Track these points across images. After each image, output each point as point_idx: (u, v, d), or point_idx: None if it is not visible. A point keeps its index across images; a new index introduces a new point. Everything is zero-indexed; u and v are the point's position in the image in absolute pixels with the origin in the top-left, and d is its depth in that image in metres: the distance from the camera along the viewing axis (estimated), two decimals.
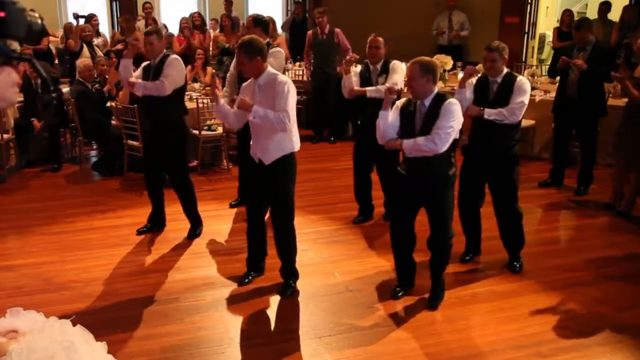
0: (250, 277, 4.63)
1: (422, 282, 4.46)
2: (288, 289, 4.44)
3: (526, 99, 4.48)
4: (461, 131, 4.12)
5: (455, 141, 3.99)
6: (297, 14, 10.84)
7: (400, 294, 4.36)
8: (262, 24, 5.71)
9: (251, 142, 4.34)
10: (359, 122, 5.62)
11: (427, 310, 4.20)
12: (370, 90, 5.34)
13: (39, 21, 1.61)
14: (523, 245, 4.79)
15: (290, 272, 4.49)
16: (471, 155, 4.69)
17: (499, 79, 4.53)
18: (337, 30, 8.37)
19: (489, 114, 4.45)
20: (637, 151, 5.67)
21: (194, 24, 10.00)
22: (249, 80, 4.28)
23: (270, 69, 4.22)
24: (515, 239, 4.77)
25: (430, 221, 4.17)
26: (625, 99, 6.25)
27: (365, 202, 5.78)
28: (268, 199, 4.39)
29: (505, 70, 4.55)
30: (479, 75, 4.73)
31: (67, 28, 9.39)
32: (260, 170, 4.26)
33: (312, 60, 8.62)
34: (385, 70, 5.39)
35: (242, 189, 6.07)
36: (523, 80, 4.53)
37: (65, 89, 7.38)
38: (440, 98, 3.97)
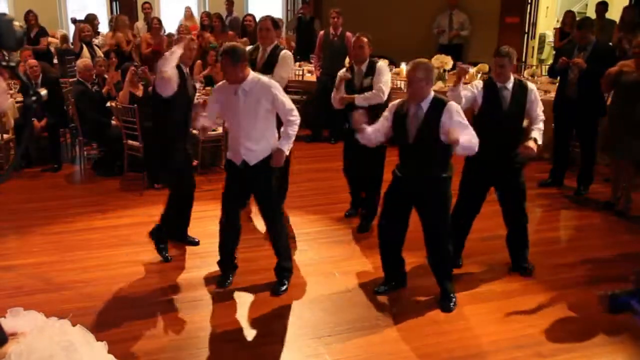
0: (230, 279, 4.62)
1: (420, 283, 4.46)
2: (281, 287, 4.48)
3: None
4: None
5: (451, 145, 3.93)
6: (303, 13, 10.80)
7: (382, 289, 4.41)
8: (279, 27, 5.71)
9: (232, 146, 4.35)
10: (346, 127, 5.56)
11: (434, 309, 4.21)
12: (358, 98, 5.21)
13: (20, 29, 1.65)
14: (528, 247, 4.76)
15: (283, 270, 4.54)
16: (476, 159, 4.48)
17: (509, 85, 4.44)
18: (349, 34, 8.29)
19: None
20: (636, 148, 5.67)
21: (202, 24, 9.97)
22: (224, 85, 4.28)
23: (253, 73, 4.25)
24: (524, 243, 4.72)
25: (425, 223, 4.15)
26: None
27: (357, 197, 5.81)
28: (249, 198, 4.52)
29: (512, 77, 4.47)
30: (468, 74, 4.69)
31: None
32: (244, 172, 4.29)
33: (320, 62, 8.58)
34: (371, 72, 5.30)
35: None
36: (533, 87, 4.51)
37: (44, 92, 7.35)
38: (439, 102, 3.94)
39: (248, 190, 4.46)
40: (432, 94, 4.00)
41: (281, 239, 4.52)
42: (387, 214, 4.29)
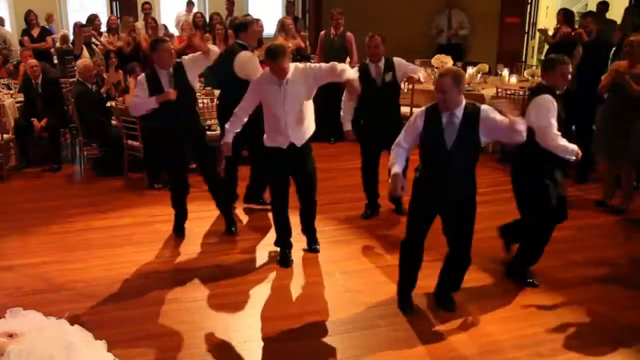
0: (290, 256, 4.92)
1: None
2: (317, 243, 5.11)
3: None
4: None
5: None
6: (289, 13, 10.79)
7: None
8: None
9: (275, 134, 4.58)
10: (361, 122, 5.64)
11: (434, 309, 4.21)
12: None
13: None
14: None
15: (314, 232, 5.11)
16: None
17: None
18: (349, 34, 8.32)
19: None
20: (627, 148, 5.67)
21: (195, 24, 9.98)
22: (265, 78, 4.53)
23: (292, 64, 4.51)
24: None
25: (457, 232, 4.03)
26: None
27: (373, 197, 5.83)
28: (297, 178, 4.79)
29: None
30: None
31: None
32: (290, 154, 4.60)
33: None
34: (390, 68, 5.44)
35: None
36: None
37: None
38: (472, 107, 3.85)
39: (293, 171, 4.73)
40: (464, 101, 3.87)
41: (314, 218, 5.04)
42: (418, 230, 4.06)
